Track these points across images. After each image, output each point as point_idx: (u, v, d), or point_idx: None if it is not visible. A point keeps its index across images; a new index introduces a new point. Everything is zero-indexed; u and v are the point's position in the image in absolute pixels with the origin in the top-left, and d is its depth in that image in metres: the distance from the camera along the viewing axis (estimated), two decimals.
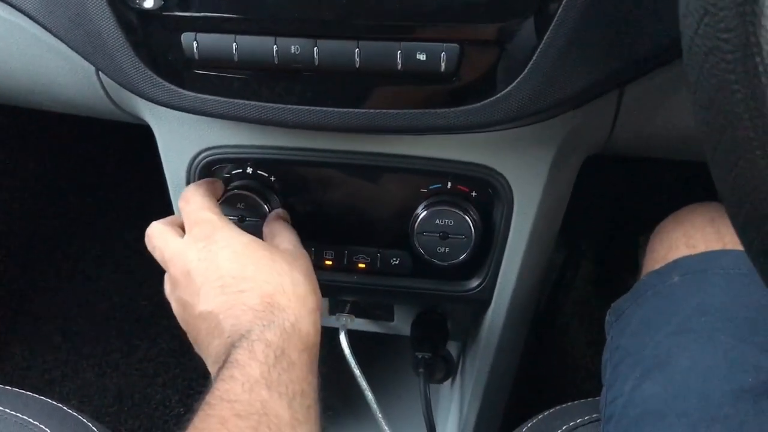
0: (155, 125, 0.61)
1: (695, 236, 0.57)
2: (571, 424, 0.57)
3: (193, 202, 0.54)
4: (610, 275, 1.24)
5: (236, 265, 0.49)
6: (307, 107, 0.50)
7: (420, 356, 0.77)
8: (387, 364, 1.01)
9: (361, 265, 0.66)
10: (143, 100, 0.54)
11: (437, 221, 0.60)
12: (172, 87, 0.51)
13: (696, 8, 0.26)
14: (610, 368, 0.55)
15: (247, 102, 0.50)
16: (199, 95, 0.51)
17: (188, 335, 0.51)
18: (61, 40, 0.53)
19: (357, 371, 0.73)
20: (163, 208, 0.65)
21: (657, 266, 0.57)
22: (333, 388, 0.89)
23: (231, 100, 0.50)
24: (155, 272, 0.55)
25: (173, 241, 0.52)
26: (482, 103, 0.48)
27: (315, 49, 0.47)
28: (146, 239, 0.54)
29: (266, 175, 0.62)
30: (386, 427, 0.73)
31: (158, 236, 0.53)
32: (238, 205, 0.61)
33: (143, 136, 0.65)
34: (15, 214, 1.30)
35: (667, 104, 0.54)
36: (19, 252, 1.31)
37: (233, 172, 0.62)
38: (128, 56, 0.49)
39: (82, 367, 1.19)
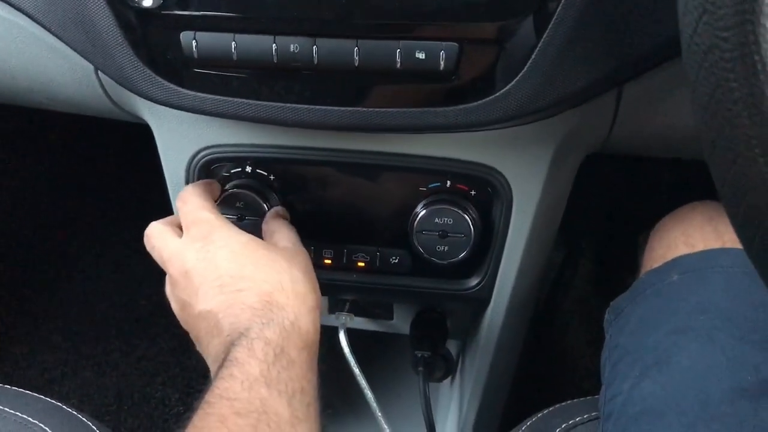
0: (154, 124, 0.61)
1: (694, 235, 0.57)
2: (570, 422, 0.57)
3: (191, 203, 0.54)
4: (609, 274, 1.24)
5: (234, 265, 0.49)
6: (306, 106, 0.50)
7: (419, 355, 0.77)
8: (386, 363, 1.01)
9: (361, 264, 0.66)
10: (142, 99, 0.54)
11: (436, 220, 0.60)
12: (171, 86, 0.51)
13: (695, 6, 0.26)
14: (609, 367, 0.55)
15: (246, 101, 0.50)
16: (198, 94, 0.51)
17: (190, 334, 0.52)
18: (60, 38, 0.53)
19: (356, 370, 0.73)
20: (163, 207, 0.65)
21: (656, 265, 0.57)
22: (332, 386, 0.89)
23: (230, 98, 0.50)
24: (154, 272, 0.55)
25: (172, 241, 0.52)
26: (481, 101, 0.48)
27: (314, 47, 0.47)
28: (145, 239, 0.54)
29: (265, 173, 0.62)
30: (386, 426, 0.73)
31: (157, 236, 0.53)
32: (238, 204, 0.61)
33: (142, 135, 0.65)
34: (15, 214, 1.30)
35: (666, 103, 0.54)
36: (19, 252, 1.31)
37: (232, 170, 0.62)
38: (127, 55, 0.49)
39: (82, 367, 1.19)
